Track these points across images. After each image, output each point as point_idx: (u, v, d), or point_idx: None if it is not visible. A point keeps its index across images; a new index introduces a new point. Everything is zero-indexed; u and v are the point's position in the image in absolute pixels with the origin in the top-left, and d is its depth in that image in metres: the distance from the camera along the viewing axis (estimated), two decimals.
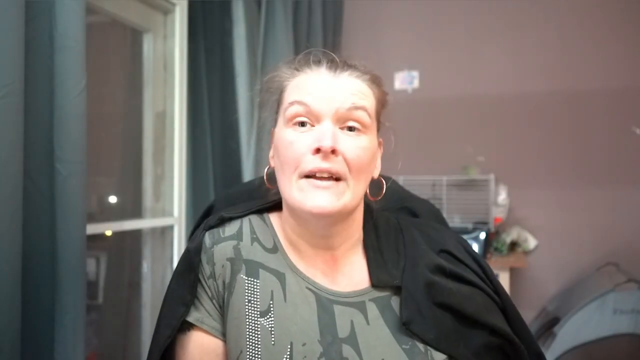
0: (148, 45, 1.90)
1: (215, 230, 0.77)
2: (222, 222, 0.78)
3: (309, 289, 0.72)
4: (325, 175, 0.68)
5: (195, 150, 1.98)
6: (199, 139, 1.97)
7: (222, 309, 0.72)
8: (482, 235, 2.48)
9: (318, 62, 0.75)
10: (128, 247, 1.88)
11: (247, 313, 0.70)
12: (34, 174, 0.99)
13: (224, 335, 0.72)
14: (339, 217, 0.71)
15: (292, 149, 0.70)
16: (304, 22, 2.38)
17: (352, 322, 0.70)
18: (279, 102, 0.77)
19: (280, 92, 0.77)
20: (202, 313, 0.72)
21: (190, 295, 0.72)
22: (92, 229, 1.38)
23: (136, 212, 1.87)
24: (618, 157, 2.68)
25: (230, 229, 0.77)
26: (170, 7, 1.90)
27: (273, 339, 0.68)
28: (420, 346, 0.68)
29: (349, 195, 0.69)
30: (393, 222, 0.82)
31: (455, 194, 2.81)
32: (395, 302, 0.72)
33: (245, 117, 2.05)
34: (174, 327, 0.70)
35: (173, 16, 1.91)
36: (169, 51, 1.92)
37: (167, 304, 0.74)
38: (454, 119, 2.93)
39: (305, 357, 0.66)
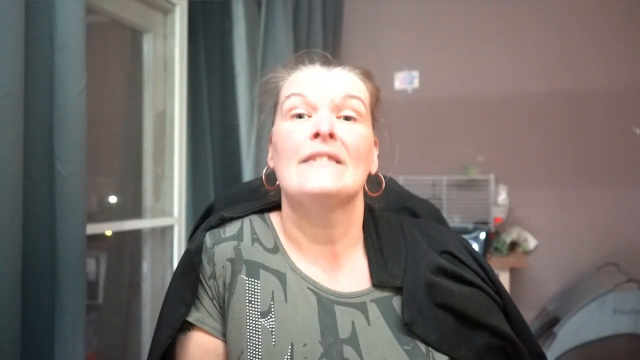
0: (148, 45, 1.90)
1: (216, 230, 0.77)
2: (223, 222, 0.78)
3: (310, 289, 0.72)
4: (325, 159, 0.69)
5: (195, 150, 1.98)
6: (199, 139, 1.97)
7: (223, 309, 0.72)
8: (482, 235, 2.48)
9: (312, 60, 0.78)
10: (128, 247, 1.88)
11: (247, 314, 0.70)
12: (34, 174, 0.99)
13: (224, 336, 0.72)
14: (340, 201, 0.71)
15: (290, 137, 0.71)
16: (304, 22, 2.38)
17: (353, 322, 0.70)
18: (276, 103, 0.79)
19: (277, 92, 0.79)
20: (202, 313, 0.72)
21: (191, 295, 0.72)
22: (92, 229, 1.38)
23: (136, 212, 1.87)
24: (618, 157, 2.68)
25: (231, 229, 0.77)
26: (170, 7, 1.90)
27: (274, 340, 0.68)
28: (422, 347, 0.68)
29: (349, 177, 0.70)
30: (394, 223, 0.82)
31: (455, 194, 2.81)
32: (396, 302, 0.72)
33: (245, 117, 2.05)
34: (174, 327, 0.70)
35: (173, 16, 1.91)
36: (169, 51, 1.92)
37: (168, 304, 0.74)
38: (454, 119, 2.93)
39: (306, 357, 0.66)
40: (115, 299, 1.86)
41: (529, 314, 2.66)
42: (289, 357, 0.66)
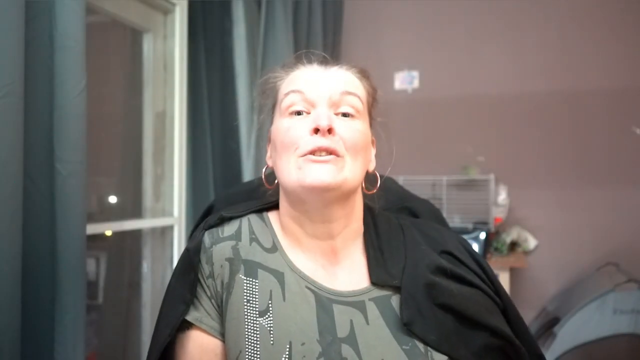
0: (148, 45, 1.90)
1: (214, 230, 0.77)
2: (222, 221, 0.78)
3: (309, 288, 0.72)
4: (324, 153, 0.69)
5: (195, 150, 1.98)
6: (199, 139, 1.97)
7: (221, 308, 0.72)
8: (482, 235, 2.48)
9: (310, 60, 0.79)
10: (128, 247, 1.88)
11: (246, 313, 0.70)
12: (34, 174, 0.99)
13: (222, 336, 0.72)
14: (339, 196, 0.71)
15: (289, 133, 0.72)
16: (304, 22, 2.38)
17: (351, 321, 0.70)
18: (274, 102, 0.80)
19: (275, 92, 0.79)
20: (201, 312, 0.72)
21: (190, 294, 0.72)
22: (92, 229, 1.38)
23: (136, 212, 1.87)
24: (618, 157, 2.68)
25: (229, 229, 0.77)
26: (170, 7, 1.90)
27: (272, 339, 0.68)
28: (421, 347, 0.68)
29: (349, 171, 0.70)
30: (394, 222, 0.82)
31: (455, 194, 2.81)
32: (395, 301, 0.72)
33: (245, 117, 2.05)
34: (173, 326, 0.70)
35: (173, 16, 1.91)
36: (169, 51, 1.92)
37: (167, 303, 0.74)
38: (454, 119, 2.93)
39: (304, 356, 0.66)
40: (115, 299, 1.86)
41: (529, 314, 2.66)
42: (287, 356, 0.66)
